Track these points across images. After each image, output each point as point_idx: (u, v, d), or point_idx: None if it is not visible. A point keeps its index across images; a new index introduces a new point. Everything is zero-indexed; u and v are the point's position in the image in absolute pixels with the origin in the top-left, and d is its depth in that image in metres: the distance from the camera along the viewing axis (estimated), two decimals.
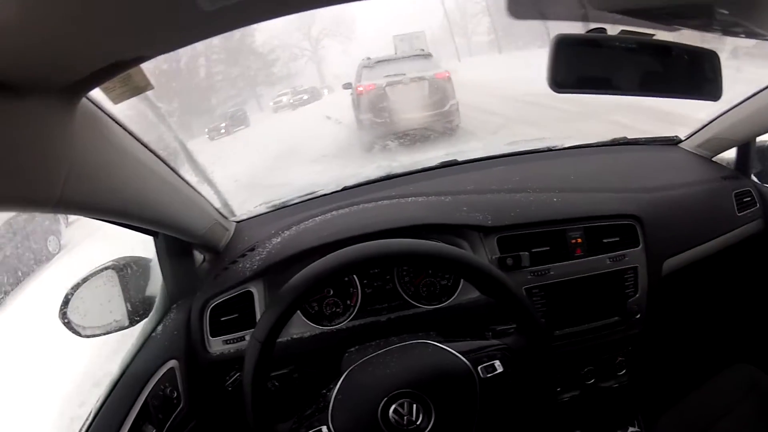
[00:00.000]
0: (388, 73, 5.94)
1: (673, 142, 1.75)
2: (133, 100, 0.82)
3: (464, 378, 0.97)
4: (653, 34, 0.90)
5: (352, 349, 1.15)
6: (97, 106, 0.81)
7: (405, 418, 0.93)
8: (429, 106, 5.66)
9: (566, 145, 1.75)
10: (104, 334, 1.24)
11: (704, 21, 0.76)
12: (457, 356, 0.98)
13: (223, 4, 0.50)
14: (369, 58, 6.37)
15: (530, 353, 1.02)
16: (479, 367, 0.97)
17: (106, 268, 1.25)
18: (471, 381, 0.96)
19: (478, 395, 0.96)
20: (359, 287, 1.35)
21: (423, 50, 6.93)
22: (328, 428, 0.96)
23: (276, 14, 0.59)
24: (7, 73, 0.55)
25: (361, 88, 5.77)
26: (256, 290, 1.32)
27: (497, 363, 0.98)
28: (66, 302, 1.18)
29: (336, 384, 1.00)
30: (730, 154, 1.67)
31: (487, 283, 1.00)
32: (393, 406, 0.94)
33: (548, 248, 1.35)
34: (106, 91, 0.77)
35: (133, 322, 1.27)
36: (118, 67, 0.65)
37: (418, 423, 0.93)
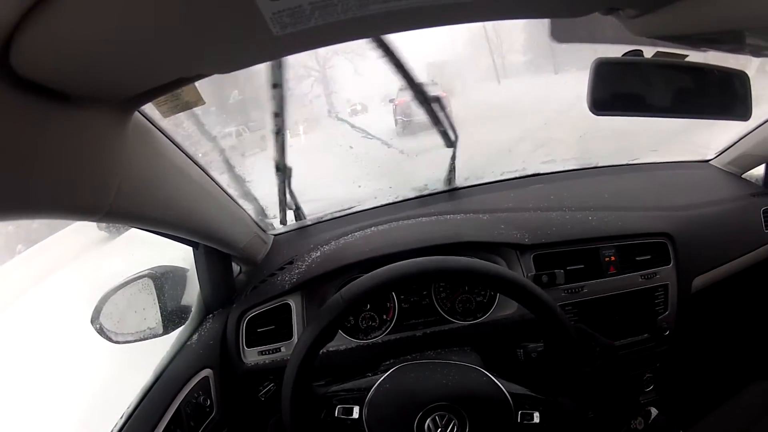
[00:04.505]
0: (410, 93, 7.69)
1: (703, 159, 1.75)
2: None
3: (503, 415, 0.98)
4: (686, 55, 0.91)
5: (387, 362, 1.17)
6: (147, 119, 0.83)
7: (440, 430, 0.95)
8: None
9: (600, 164, 1.76)
10: (137, 341, 1.26)
11: (736, 45, 0.78)
12: (505, 394, 0.99)
13: (293, 30, 0.52)
14: (402, 85, 8.11)
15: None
16: (519, 412, 0.98)
17: (143, 276, 1.28)
18: (508, 420, 0.98)
19: None
20: (396, 302, 1.36)
21: (433, 80, 9.63)
22: (361, 410, 0.98)
23: (341, 40, 0.61)
24: (71, 84, 0.56)
25: (397, 102, 9.32)
26: (294, 303, 1.33)
27: (536, 414, 0.99)
28: (99, 308, 1.20)
29: (386, 372, 1.02)
30: (760, 170, 1.66)
31: (532, 303, 1.01)
32: (433, 415, 0.95)
33: (582, 266, 1.35)
34: (157, 104, 0.79)
35: (167, 330, 1.28)
36: (178, 83, 0.67)
37: None
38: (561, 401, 1.01)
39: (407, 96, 7.21)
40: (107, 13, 0.45)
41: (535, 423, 0.98)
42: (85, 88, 0.59)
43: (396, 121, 9.59)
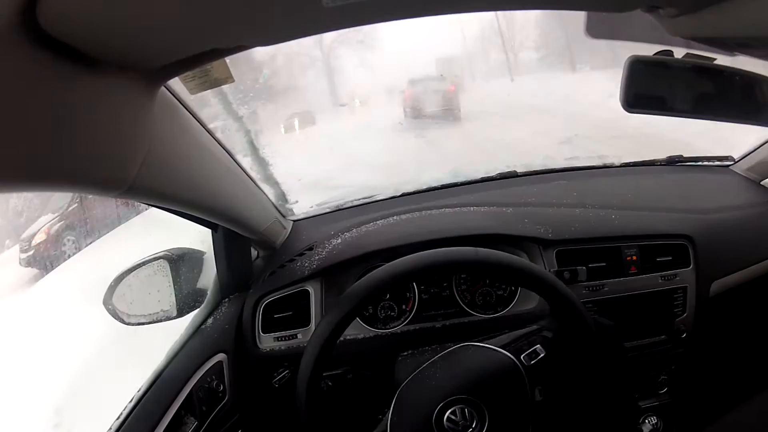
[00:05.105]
0: (419, 86, 10.27)
1: (724, 164, 1.74)
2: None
3: (510, 372, 0.97)
4: (715, 58, 0.91)
5: (405, 353, 1.16)
6: (174, 95, 0.82)
7: (460, 424, 0.93)
8: (440, 105, 9.97)
9: (623, 163, 1.75)
10: (150, 323, 1.25)
11: (765, 51, 0.77)
12: (498, 351, 0.99)
13: (343, 2, 0.50)
14: (412, 78, 10.63)
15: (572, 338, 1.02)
16: (522, 356, 0.98)
17: (159, 258, 1.27)
18: (517, 373, 0.97)
19: (527, 385, 0.96)
20: (416, 293, 1.36)
21: (441, 75, 11.51)
22: None
23: (393, 17, 0.59)
24: (100, 46, 0.54)
25: (406, 93, 10.42)
26: (313, 289, 1.33)
27: (539, 348, 0.99)
28: (112, 289, 1.20)
29: (389, 408, 1.00)
30: None
31: (550, 295, 1.00)
32: (446, 415, 0.94)
33: (604, 264, 1.35)
34: (184, 80, 0.77)
35: (181, 313, 1.28)
36: (214, 54, 0.65)
37: (473, 427, 0.93)
38: (552, 322, 1.02)
39: (415, 88, 10.69)
40: None
41: (543, 357, 0.98)
42: (115, 52, 0.57)
43: (404, 109, 10.55)
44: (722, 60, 0.91)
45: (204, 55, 0.64)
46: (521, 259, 1.04)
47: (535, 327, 1.03)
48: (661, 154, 1.75)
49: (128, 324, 1.23)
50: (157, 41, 0.58)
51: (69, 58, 0.53)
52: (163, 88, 0.75)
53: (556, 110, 9.22)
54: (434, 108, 9.93)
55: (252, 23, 0.56)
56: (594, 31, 0.87)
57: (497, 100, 11.50)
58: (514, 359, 0.98)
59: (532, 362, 0.98)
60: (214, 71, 0.77)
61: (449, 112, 10.01)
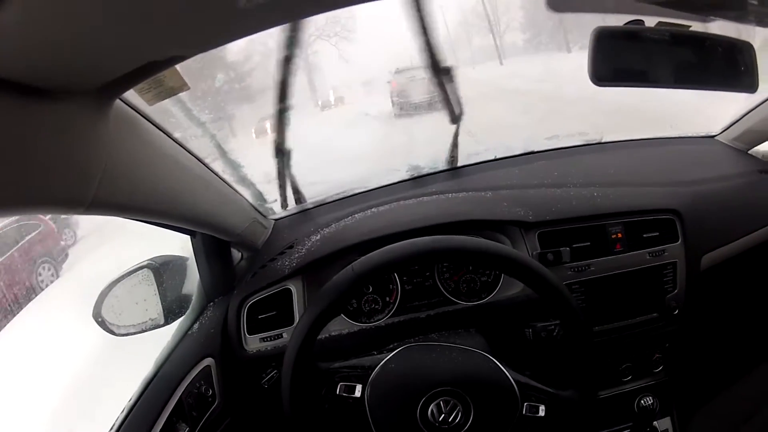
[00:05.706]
0: (406, 76, 10.12)
1: (709, 135, 1.72)
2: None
3: (509, 404, 0.96)
4: (689, 26, 0.89)
5: (391, 346, 1.14)
6: (131, 107, 0.80)
7: (443, 416, 0.93)
8: (427, 92, 9.26)
9: (604, 140, 1.73)
10: (139, 332, 1.25)
11: (738, 12, 0.75)
12: (511, 383, 0.97)
13: (260, 1, 0.49)
14: (398, 68, 10.56)
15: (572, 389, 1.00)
16: (525, 403, 0.97)
17: (142, 267, 1.26)
18: (513, 410, 0.96)
19: (513, 426, 0.96)
20: (399, 284, 1.34)
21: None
22: (363, 388, 0.97)
23: (315, 11, 0.57)
24: (39, 78, 0.54)
25: (393, 84, 10.42)
26: (295, 288, 1.32)
27: (542, 408, 0.97)
28: (100, 301, 1.19)
29: (392, 351, 1.01)
30: (765, 146, 1.62)
31: (531, 279, 0.99)
32: (437, 400, 0.94)
33: (589, 243, 1.33)
34: (140, 92, 0.76)
35: (168, 321, 1.27)
36: (152, 68, 0.64)
37: (453, 423, 0.94)
38: (568, 395, 0.99)
39: (401, 78, 10.51)
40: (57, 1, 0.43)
41: (540, 416, 0.97)
42: (56, 81, 0.56)
43: (392, 100, 10.81)
44: (698, 28, 0.90)
45: (143, 70, 0.63)
46: (497, 245, 1.03)
47: (552, 390, 1.00)
48: (645, 127, 1.74)
49: (118, 335, 1.22)
50: (91, 64, 0.57)
51: (12, 91, 0.52)
52: (119, 101, 0.74)
53: (539, 91, 9.75)
54: (421, 96, 9.89)
55: (178, 35, 0.55)
56: (555, 4, 0.85)
57: (487, 84, 11.60)
58: (519, 399, 0.97)
59: (528, 414, 0.97)
60: (168, 80, 0.76)
61: (435, 101, 9.85)
